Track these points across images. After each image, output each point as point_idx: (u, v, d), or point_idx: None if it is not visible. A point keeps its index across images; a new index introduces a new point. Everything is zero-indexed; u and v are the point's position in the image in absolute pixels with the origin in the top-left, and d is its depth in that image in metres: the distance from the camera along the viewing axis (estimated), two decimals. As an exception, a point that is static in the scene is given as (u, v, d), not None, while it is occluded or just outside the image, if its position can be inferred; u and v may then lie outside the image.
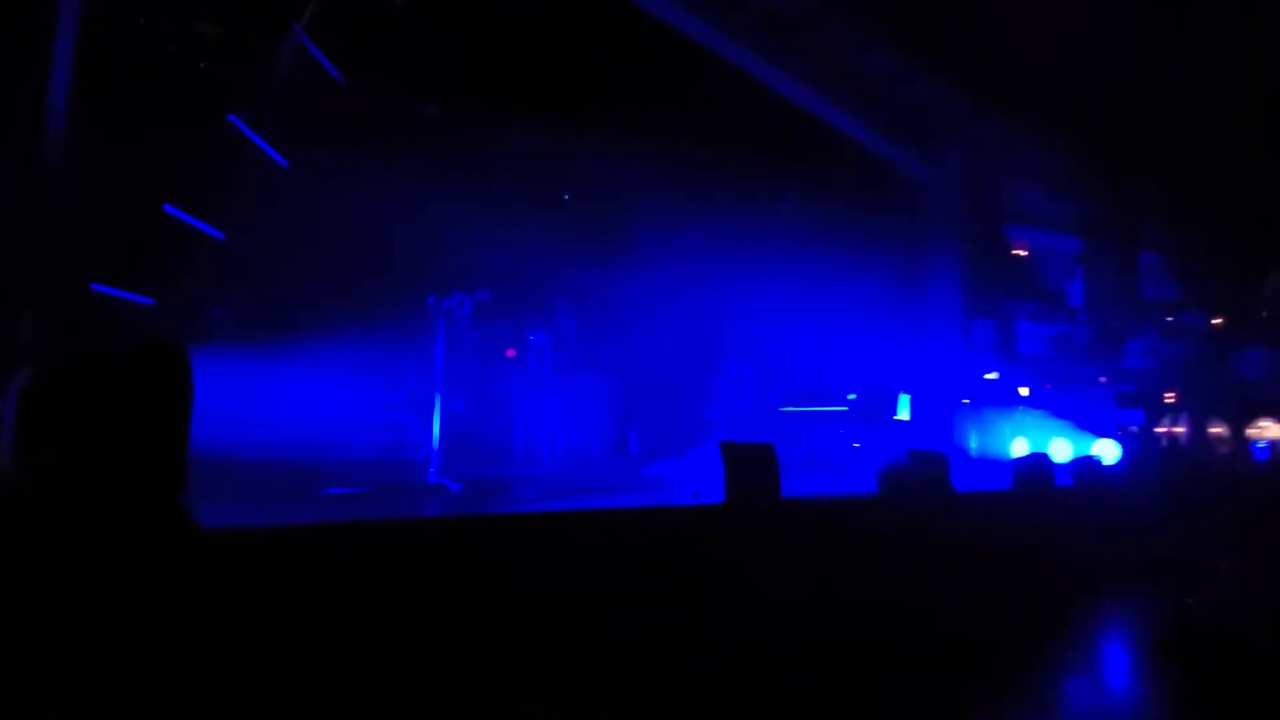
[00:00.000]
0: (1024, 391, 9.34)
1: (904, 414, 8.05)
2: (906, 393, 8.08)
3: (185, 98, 5.61)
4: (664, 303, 8.91)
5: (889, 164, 10.79)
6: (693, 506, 3.79)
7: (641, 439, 8.40)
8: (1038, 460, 5.87)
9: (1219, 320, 11.63)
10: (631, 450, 8.29)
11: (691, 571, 3.41)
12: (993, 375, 10.20)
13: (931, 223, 11.06)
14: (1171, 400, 10.20)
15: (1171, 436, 9.65)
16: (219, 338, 5.54)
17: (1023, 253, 12.60)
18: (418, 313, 5.44)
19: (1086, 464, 6.53)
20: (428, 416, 5.02)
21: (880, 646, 3.51)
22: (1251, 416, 9.66)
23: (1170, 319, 12.09)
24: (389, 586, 2.56)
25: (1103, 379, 9.92)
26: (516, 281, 7.74)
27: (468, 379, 6.78)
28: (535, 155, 8.65)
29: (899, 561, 4.18)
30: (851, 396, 7.89)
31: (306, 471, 4.31)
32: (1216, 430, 9.79)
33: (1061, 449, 8.22)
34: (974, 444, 9.20)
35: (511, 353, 7.67)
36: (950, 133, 10.46)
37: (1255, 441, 9.53)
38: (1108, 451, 7.68)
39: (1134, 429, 8.64)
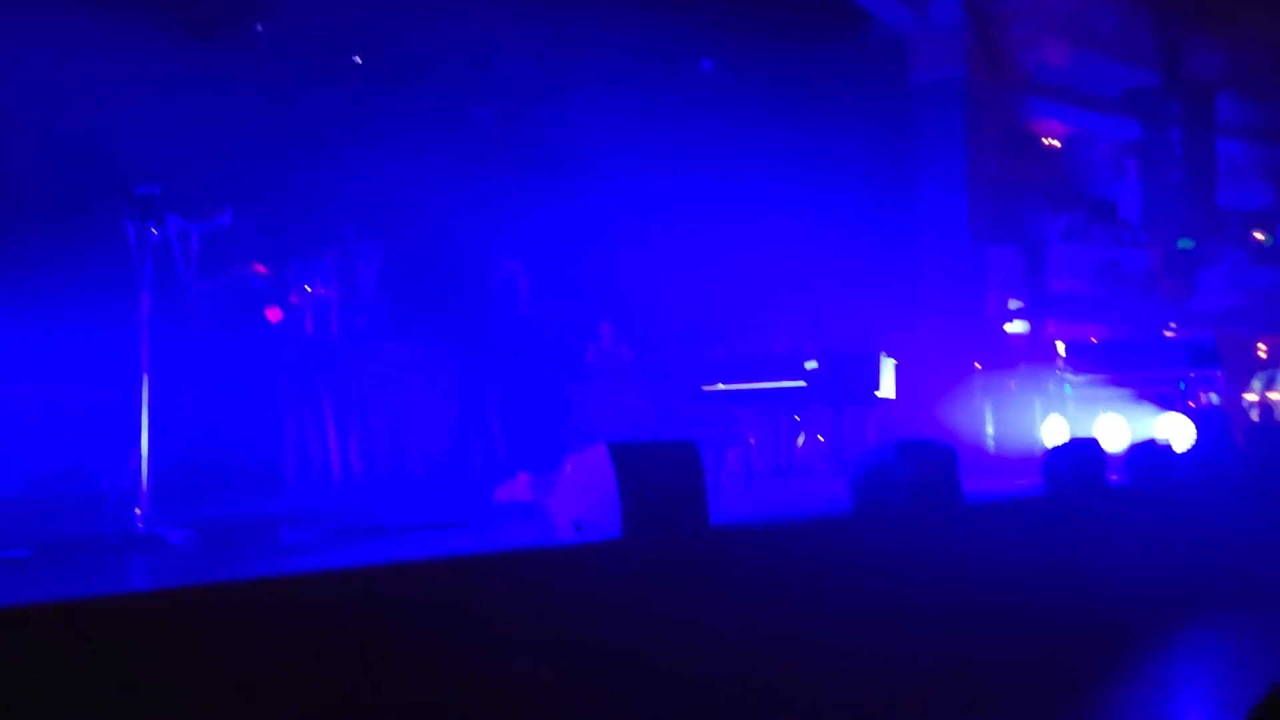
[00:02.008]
0: (1060, 349, 9.68)
1: (888, 389, 8.28)
2: (891, 357, 8.30)
3: None
4: (519, 225, 8.82)
5: (857, 10, 10.94)
6: (573, 545, 3.78)
7: (490, 444, 8.42)
8: (1080, 449, 6.07)
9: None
10: (475, 462, 8.28)
11: (574, 648, 3.38)
12: (1015, 326, 10.56)
13: (921, 101, 11.33)
14: (1264, 355, 10.83)
15: (1266, 407, 10.27)
16: None
17: (1054, 143, 13.03)
18: (107, 249, 5.15)
19: (1149, 452, 6.87)
20: (129, 422, 4.75)
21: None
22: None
23: (1262, 237, 12.81)
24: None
25: (1171, 326, 10.45)
26: (277, 195, 7.55)
27: (198, 358, 6.64)
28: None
29: (885, 606, 4.30)
30: (810, 365, 8.06)
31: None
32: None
33: (1114, 432, 8.54)
34: (990, 430, 9.51)
35: (274, 313, 7.52)
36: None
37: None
38: (1179, 433, 8.07)
39: (1213, 398, 9.13)
